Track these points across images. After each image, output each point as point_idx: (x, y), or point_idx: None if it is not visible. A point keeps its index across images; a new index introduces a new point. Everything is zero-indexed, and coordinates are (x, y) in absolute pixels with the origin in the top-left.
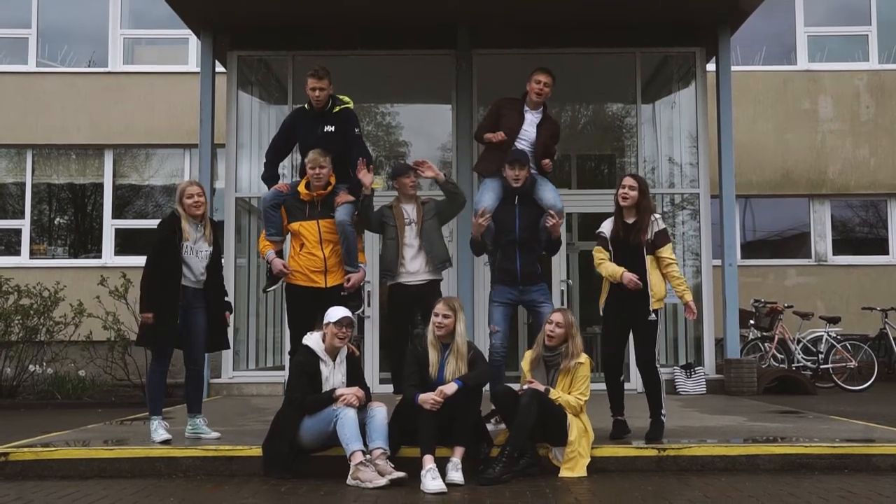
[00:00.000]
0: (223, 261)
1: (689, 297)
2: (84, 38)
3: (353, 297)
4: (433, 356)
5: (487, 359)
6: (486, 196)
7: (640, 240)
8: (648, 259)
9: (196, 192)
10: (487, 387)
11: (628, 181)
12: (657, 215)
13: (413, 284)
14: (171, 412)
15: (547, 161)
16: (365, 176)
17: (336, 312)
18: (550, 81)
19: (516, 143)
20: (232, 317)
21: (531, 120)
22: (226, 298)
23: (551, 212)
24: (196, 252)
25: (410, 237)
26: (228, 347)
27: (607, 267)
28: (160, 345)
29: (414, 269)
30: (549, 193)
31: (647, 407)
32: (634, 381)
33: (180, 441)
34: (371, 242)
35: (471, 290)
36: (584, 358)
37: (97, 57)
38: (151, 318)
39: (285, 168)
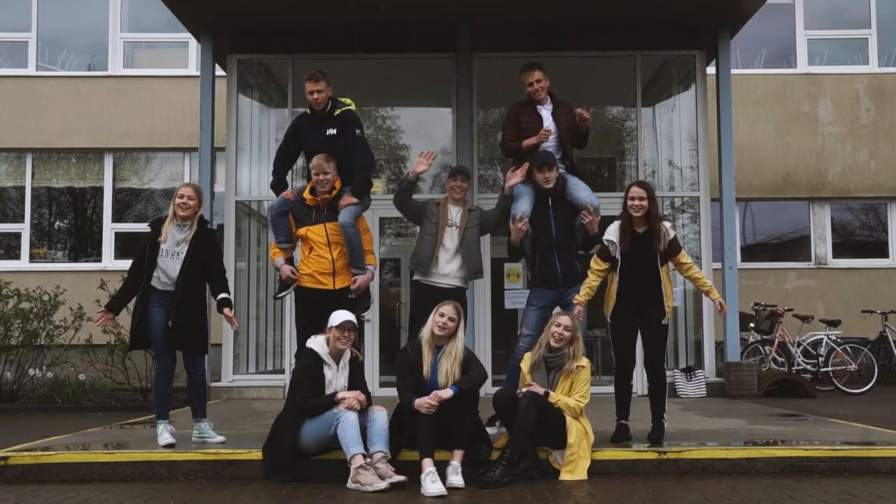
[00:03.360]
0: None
1: (715, 294)
2: (84, 41)
3: (360, 300)
4: (427, 357)
5: (510, 361)
6: (522, 201)
7: (655, 248)
8: (661, 268)
9: (187, 194)
10: (488, 390)
11: (637, 191)
12: (667, 224)
13: (441, 287)
14: (172, 415)
15: (580, 111)
16: (419, 164)
17: (338, 316)
18: (542, 75)
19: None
20: (234, 315)
21: (546, 115)
22: (223, 295)
23: (590, 207)
24: (175, 254)
25: (449, 239)
26: (204, 353)
27: (584, 284)
28: (138, 347)
29: (447, 271)
30: (582, 192)
31: (648, 409)
32: (637, 384)
33: (182, 444)
34: (374, 244)
35: (471, 298)
36: (585, 361)
37: (97, 61)
38: (103, 314)
39: (294, 173)
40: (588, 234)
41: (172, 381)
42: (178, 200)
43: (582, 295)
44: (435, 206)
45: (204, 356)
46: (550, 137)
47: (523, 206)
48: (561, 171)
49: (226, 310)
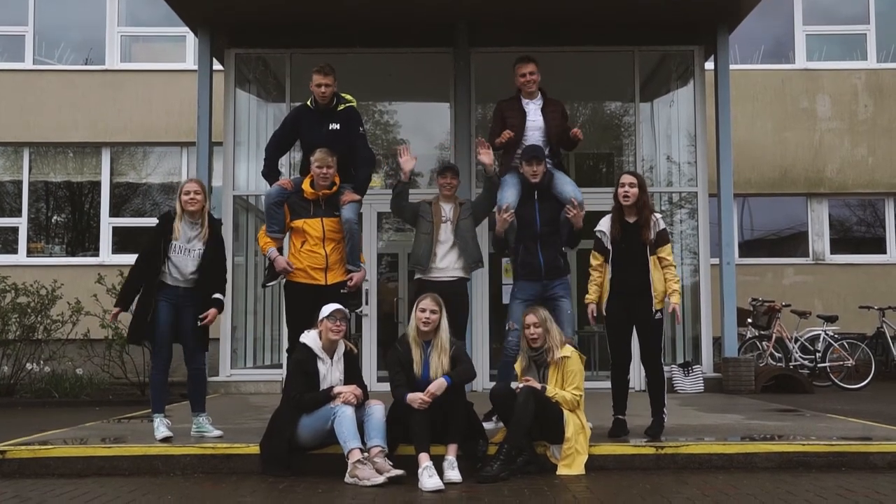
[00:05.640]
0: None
1: (676, 298)
2: (81, 35)
3: (353, 296)
4: (416, 353)
5: (501, 356)
6: (508, 192)
7: (644, 238)
8: (651, 258)
9: (193, 189)
10: (486, 385)
11: (627, 178)
12: (658, 215)
13: (442, 280)
14: (170, 410)
15: (576, 130)
16: (406, 162)
17: (329, 307)
18: (535, 68)
19: (528, 136)
20: (225, 314)
21: (534, 109)
22: (215, 296)
23: (574, 201)
24: (187, 251)
25: (445, 235)
26: (204, 349)
27: (591, 282)
28: (138, 341)
29: (444, 265)
30: (568, 186)
31: (647, 405)
32: (634, 380)
33: (180, 439)
34: (369, 242)
35: (469, 292)
36: (569, 350)
37: (94, 55)
38: (116, 313)
39: (283, 166)
40: (573, 229)
41: (168, 375)
42: (184, 197)
43: (591, 294)
44: (428, 206)
45: (205, 351)
46: (537, 133)
47: (509, 198)
48: (549, 166)
49: (212, 310)
